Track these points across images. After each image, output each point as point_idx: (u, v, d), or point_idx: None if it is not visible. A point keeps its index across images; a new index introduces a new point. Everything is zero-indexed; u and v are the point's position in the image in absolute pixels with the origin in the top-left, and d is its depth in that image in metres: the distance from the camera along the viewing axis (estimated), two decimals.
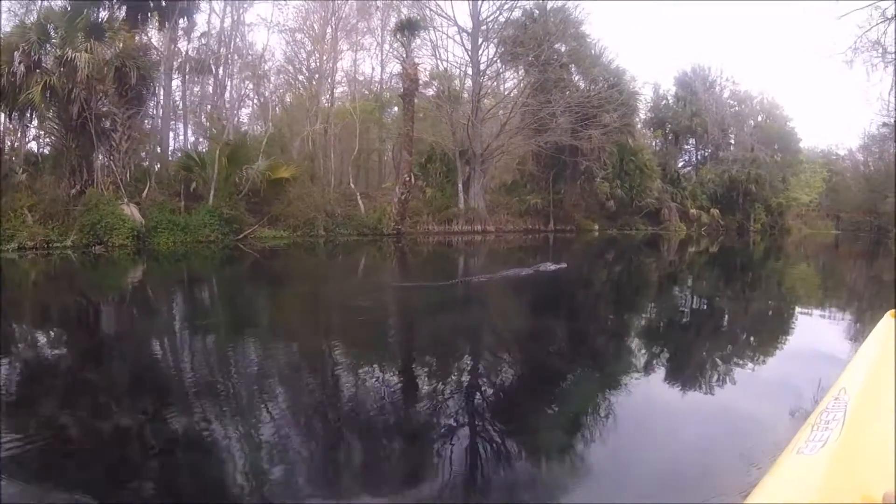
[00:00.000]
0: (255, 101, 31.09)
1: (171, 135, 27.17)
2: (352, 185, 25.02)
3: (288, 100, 31.66)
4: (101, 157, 18.54)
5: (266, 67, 29.69)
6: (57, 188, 18.17)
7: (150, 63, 20.14)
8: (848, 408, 1.71)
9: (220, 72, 27.22)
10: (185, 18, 24.18)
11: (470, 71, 29.18)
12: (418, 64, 22.98)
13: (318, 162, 25.58)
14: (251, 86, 30.29)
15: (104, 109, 18.70)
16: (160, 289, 10.69)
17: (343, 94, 33.33)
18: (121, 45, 18.65)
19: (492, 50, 29.35)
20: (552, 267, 11.88)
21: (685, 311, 8.95)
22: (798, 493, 1.41)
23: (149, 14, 21.47)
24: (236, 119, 29.02)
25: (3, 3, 19.21)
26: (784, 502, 1.42)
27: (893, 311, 2.41)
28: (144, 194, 19.67)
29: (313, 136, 25.28)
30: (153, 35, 23.34)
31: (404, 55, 22.80)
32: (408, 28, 22.44)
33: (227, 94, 27.06)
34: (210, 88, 28.42)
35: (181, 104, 27.69)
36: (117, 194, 18.34)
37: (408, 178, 22.56)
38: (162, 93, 25.87)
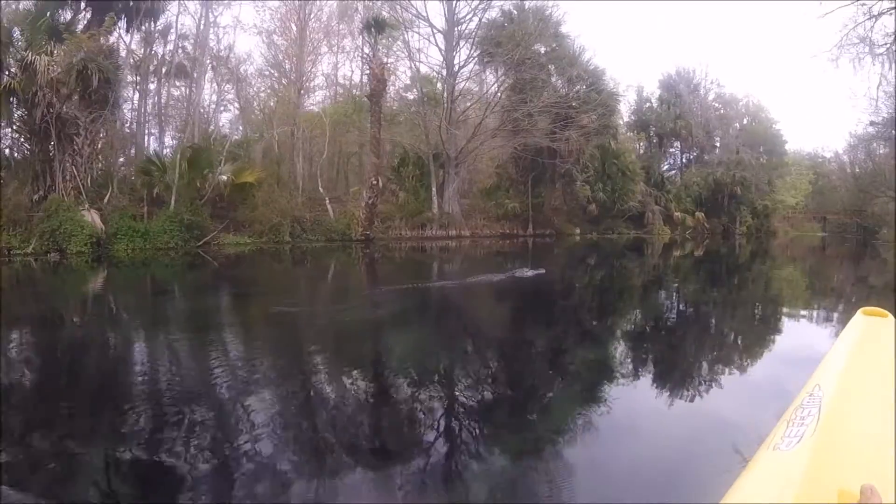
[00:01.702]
0: (235, 105, 30.73)
1: (151, 139, 26.60)
2: (320, 190, 24.27)
3: (272, 104, 31.03)
4: (63, 161, 18.08)
5: (243, 70, 29.35)
6: (20, 193, 17.84)
7: (113, 66, 19.56)
8: (822, 403, 1.73)
9: (195, 74, 26.64)
10: (152, 21, 23.62)
11: (444, 73, 28.61)
12: (385, 63, 22.38)
13: (287, 166, 24.94)
14: (231, 89, 29.95)
15: (68, 113, 18.16)
16: (64, 305, 9.58)
17: (324, 98, 33.02)
18: (84, 47, 18.23)
19: (467, 51, 28.90)
20: (529, 273, 11.53)
21: (667, 316, 8.47)
22: (775, 490, 1.41)
23: (113, 16, 20.73)
24: (212, 124, 28.40)
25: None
26: (761, 500, 1.41)
27: (865, 308, 2.57)
28: (106, 200, 19.20)
29: (282, 140, 24.68)
30: (129, 38, 23.03)
31: (371, 54, 22.22)
32: (375, 27, 21.86)
33: (197, 97, 26.30)
34: (185, 91, 27.85)
35: (156, 107, 27.06)
36: (78, 200, 17.99)
37: (375, 182, 21.86)
38: (136, 96, 25.80)
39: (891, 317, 2.52)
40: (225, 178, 20.81)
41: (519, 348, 6.07)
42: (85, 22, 20.58)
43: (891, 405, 1.72)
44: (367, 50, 26.57)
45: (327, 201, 23.67)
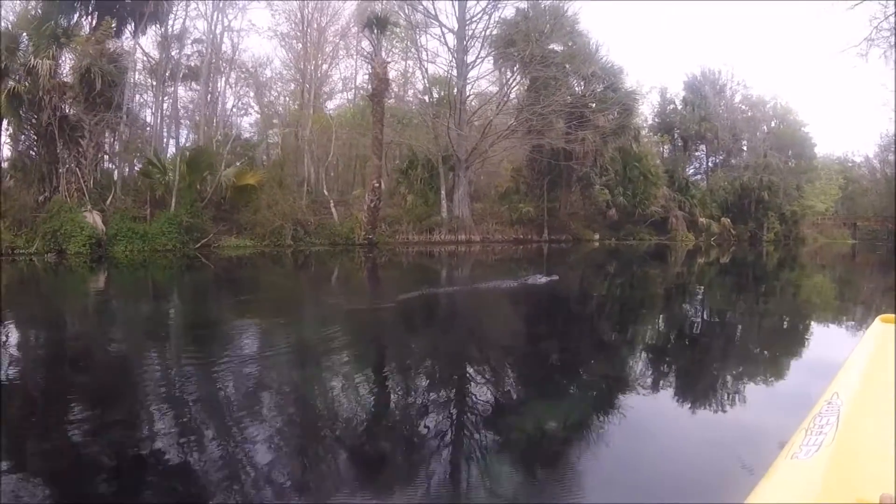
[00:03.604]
0: (255, 108, 30.64)
1: (172, 141, 26.41)
2: (325, 193, 23.72)
3: (294, 107, 30.76)
4: (67, 163, 18.34)
5: (260, 73, 29.18)
6: (27, 194, 18.34)
7: (117, 69, 19.39)
8: (841, 412, 1.74)
9: (210, 77, 26.49)
10: (159, 25, 23.31)
11: (454, 72, 27.81)
12: (389, 62, 21.77)
13: (294, 169, 24.45)
14: (249, 92, 29.89)
15: (72, 116, 18.50)
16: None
17: (343, 102, 32.78)
18: (91, 51, 18.35)
19: (479, 50, 27.98)
20: (542, 279, 11.31)
21: (688, 331, 7.72)
22: (793, 498, 1.41)
23: (108, 20, 20.40)
24: (223, 126, 28.13)
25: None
26: None
27: (883, 316, 2.63)
28: (108, 201, 19.30)
29: (290, 142, 24.28)
30: (136, 42, 22.79)
31: (373, 53, 21.59)
32: (377, 25, 21.16)
33: (203, 100, 26.03)
34: (200, 95, 27.62)
35: (171, 110, 26.91)
36: (81, 201, 18.19)
37: (377, 185, 21.21)
38: (153, 100, 25.67)
39: None
40: (235, 179, 20.50)
41: (521, 363, 5.58)
42: (90, 26, 20.41)
43: None
44: (371, 49, 26.07)
45: (332, 204, 23.13)
